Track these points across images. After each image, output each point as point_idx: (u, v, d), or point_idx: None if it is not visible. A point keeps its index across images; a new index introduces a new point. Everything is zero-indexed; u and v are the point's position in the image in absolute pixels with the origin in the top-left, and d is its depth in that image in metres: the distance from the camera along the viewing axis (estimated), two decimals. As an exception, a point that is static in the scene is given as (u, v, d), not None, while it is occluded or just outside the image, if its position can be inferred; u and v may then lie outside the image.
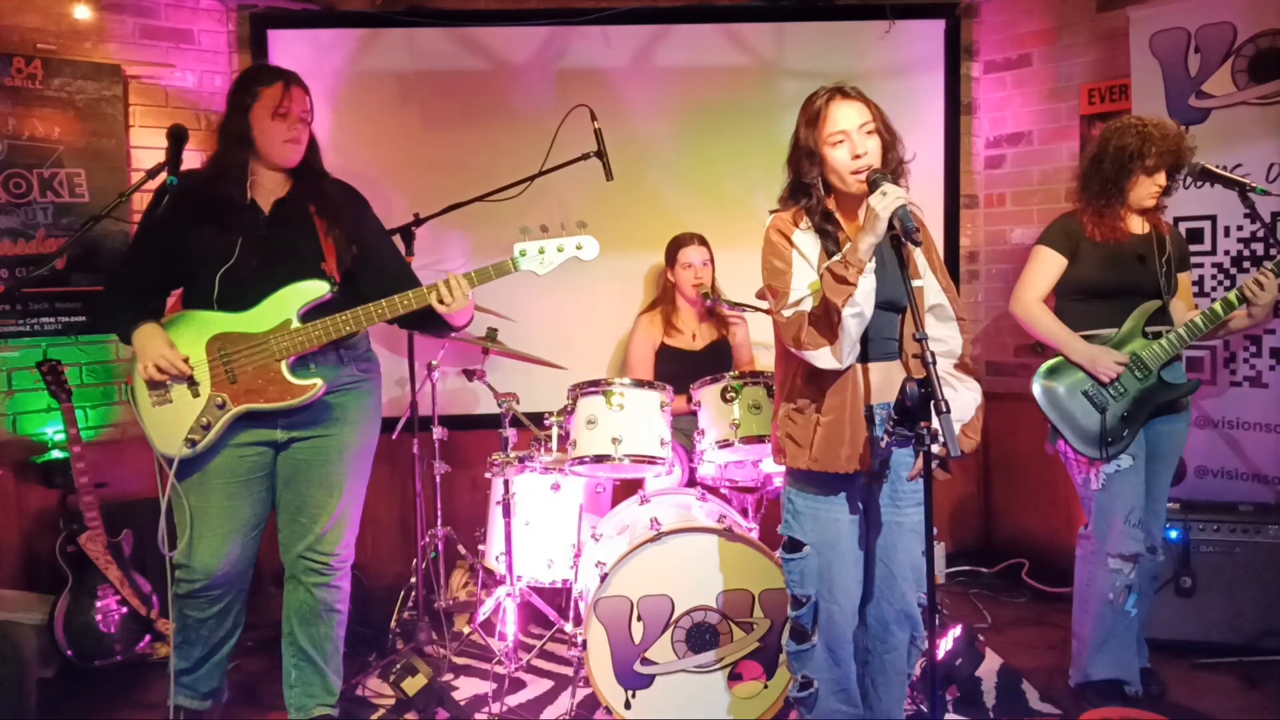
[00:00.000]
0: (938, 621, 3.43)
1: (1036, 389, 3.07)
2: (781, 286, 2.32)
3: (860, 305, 2.21)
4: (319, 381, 2.66)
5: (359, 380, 2.82)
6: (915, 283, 2.36)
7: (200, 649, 2.79)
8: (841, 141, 2.31)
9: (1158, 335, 3.00)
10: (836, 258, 2.25)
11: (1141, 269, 3.02)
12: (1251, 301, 2.93)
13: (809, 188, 2.37)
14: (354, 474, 2.81)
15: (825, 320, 2.24)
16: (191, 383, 2.63)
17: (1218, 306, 2.95)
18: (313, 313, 2.66)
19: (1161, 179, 2.99)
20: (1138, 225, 3.08)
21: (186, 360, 2.60)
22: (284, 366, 2.63)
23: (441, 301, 2.66)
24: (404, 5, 4.31)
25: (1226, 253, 3.67)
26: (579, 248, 2.75)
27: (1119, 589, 3.02)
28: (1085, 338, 3.04)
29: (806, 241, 2.35)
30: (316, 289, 2.66)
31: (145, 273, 2.71)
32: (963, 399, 2.39)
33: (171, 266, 2.70)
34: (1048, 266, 3.11)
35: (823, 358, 2.27)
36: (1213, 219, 3.69)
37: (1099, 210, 3.03)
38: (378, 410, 2.90)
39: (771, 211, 2.46)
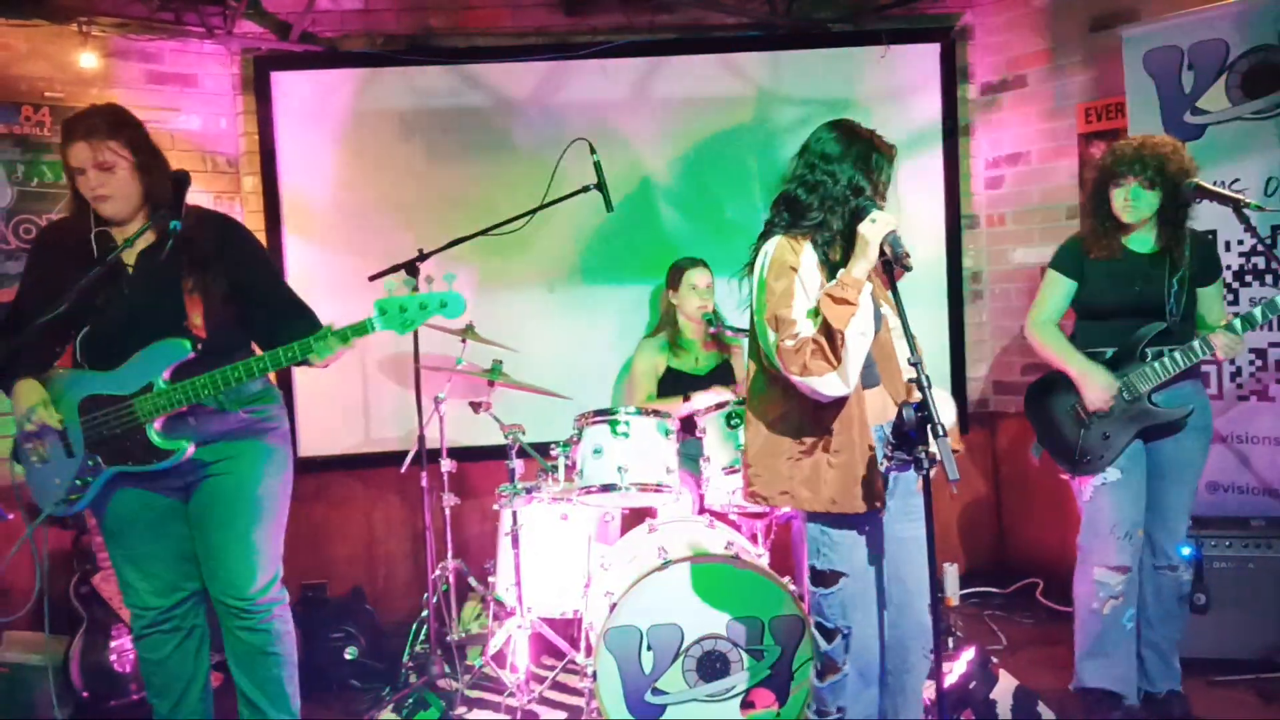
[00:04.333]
0: (951, 644, 3.43)
1: (1027, 393, 3.19)
2: (785, 314, 2.32)
3: (863, 325, 2.23)
4: (184, 444, 2.56)
5: (250, 423, 2.69)
6: (881, 310, 2.40)
7: (171, 695, 2.74)
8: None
9: (1159, 355, 2.96)
10: (832, 283, 2.27)
11: (1145, 288, 2.99)
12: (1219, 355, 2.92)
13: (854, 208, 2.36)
14: (255, 515, 2.69)
15: (829, 345, 2.24)
16: (65, 441, 2.59)
17: (1196, 345, 2.92)
18: (181, 370, 2.55)
19: (1127, 191, 2.94)
20: (1141, 243, 3.04)
21: (61, 420, 2.57)
22: (150, 430, 2.55)
23: (309, 362, 2.53)
24: (405, 44, 4.38)
25: (1229, 267, 3.67)
26: (443, 305, 2.52)
27: (1103, 599, 3.04)
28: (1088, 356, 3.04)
29: (811, 271, 2.36)
30: (178, 350, 2.55)
31: (26, 323, 2.58)
32: None
33: (47, 322, 2.55)
34: (1053, 289, 3.15)
35: (829, 384, 2.27)
36: (1213, 234, 3.69)
37: (1094, 229, 3.06)
38: (277, 451, 2.76)
39: (779, 226, 2.46)
